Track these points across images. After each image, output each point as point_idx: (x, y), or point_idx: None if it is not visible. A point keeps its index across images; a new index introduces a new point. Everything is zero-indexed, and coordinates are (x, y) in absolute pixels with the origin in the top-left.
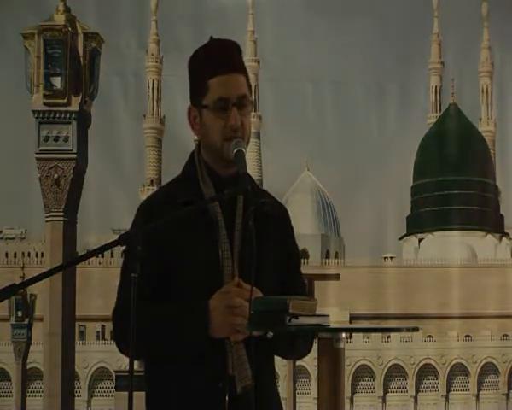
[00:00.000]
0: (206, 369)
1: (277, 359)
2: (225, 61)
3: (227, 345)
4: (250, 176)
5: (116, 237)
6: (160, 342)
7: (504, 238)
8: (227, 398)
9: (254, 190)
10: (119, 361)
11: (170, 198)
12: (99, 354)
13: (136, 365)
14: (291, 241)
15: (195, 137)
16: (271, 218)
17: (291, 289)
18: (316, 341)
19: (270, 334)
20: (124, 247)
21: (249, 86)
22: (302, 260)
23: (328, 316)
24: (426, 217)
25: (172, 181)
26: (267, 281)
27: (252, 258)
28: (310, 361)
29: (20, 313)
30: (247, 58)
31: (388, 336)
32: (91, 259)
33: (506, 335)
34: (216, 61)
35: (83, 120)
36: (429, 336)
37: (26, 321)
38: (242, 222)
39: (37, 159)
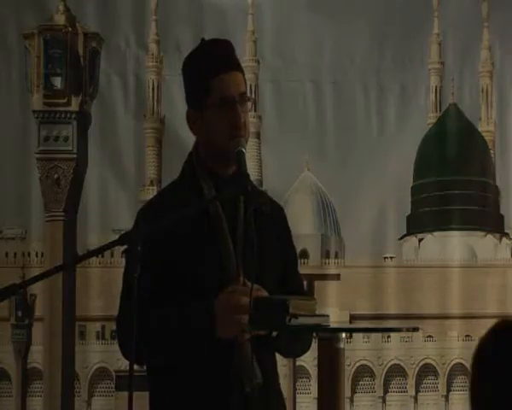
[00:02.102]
0: (213, 369)
1: (277, 358)
2: (225, 60)
3: (233, 344)
4: (249, 176)
5: (116, 237)
6: (167, 344)
7: (504, 238)
8: (235, 398)
9: (253, 190)
10: (119, 361)
11: (171, 200)
12: (99, 354)
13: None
14: (289, 240)
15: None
16: (270, 218)
17: (290, 289)
18: (316, 341)
19: (274, 333)
20: (124, 247)
21: (245, 84)
22: (302, 260)
23: (328, 316)
24: (426, 217)
25: (172, 183)
26: (268, 280)
27: (253, 258)
28: (310, 361)
29: (20, 313)
30: (247, 58)
31: (388, 336)
32: (91, 259)
33: None
34: (216, 60)
35: (83, 120)
36: (429, 336)
37: (26, 321)
38: (244, 222)
39: (37, 159)
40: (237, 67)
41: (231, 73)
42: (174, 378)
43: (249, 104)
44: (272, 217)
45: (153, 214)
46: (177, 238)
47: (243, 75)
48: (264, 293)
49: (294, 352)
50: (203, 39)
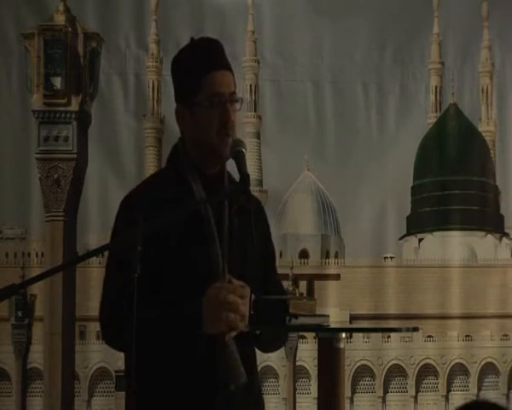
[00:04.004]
0: (198, 367)
1: (277, 358)
2: (217, 59)
3: (219, 342)
4: (229, 173)
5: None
6: (153, 341)
7: (504, 238)
8: (220, 396)
9: (236, 186)
10: (119, 361)
11: (157, 193)
12: (99, 354)
13: None
14: (269, 236)
15: None
16: (252, 215)
17: (271, 286)
18: (316, 341)
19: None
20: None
21: (235, 85)
22: (302, 261)
23: (328, 316)
24: (426, 217)
25: (157, 176)
26: (252, 277)
27: (251, 256)
28: (310, 361)
29: (20, 313)
30: (247, 58)
31: (388, 336)
32: (91, 259)
33: (506, 335)
34: (209, 58)
35: (83, 120)
36: (429, 336)
37: (26, 321)
38: (229, 220)
39: (37, 159)
40: (228, 66)
41: (222, 72)
42: (159, 377)
43: (238, 105)
44: (254, 213)
45: (138, 207)
46: (164, 236)
47: (233, 76)
48: (248, 290)
49: (274, 348)
50: (193, 38)
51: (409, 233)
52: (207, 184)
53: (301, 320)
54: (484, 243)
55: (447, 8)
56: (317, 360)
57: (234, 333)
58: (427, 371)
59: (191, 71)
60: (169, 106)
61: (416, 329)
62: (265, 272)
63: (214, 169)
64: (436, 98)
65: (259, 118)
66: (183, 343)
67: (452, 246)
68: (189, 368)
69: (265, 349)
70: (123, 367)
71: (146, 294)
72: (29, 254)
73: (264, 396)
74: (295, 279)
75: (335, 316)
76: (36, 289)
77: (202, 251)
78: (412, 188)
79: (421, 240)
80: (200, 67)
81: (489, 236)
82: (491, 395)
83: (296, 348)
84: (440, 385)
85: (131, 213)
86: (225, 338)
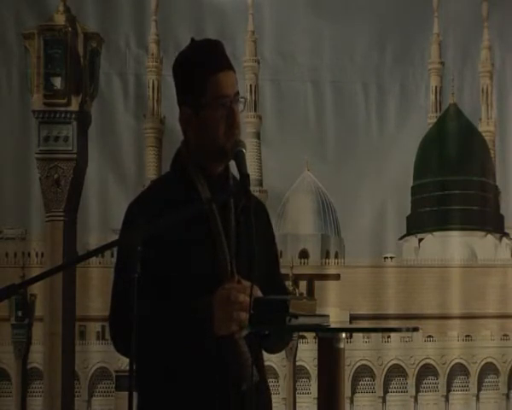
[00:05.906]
0: (209, 367)
1: (277, 359)
2: (221, 59)
3: (229, 342)
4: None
5: (116, 236)
6: (163, 342)
7: (504, 238)
8: (232, 396)
9: (237, 186)
10: (119, 361)
11: (164, 196)
12: (99, 354)
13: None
14: (272, 238)
15: None
16: (255, 216)
17: (275, 287)
18: (316, 341)
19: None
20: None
21: (237, 83)
22: (302, 261)
23: (328, 316)
24: (426, 217)
25: (162, 179)
26: (257, 278)
27: (252, 255)
28: (310, 361)
29: (20, 313)
30: (247, 58)
31: (388, 336)
32: (91, 259)
33: (506, 335)
34: (213, 59)
35: (83, 120)
36: (429, 336)
37: (26, 321)
38: (235, 219)
39: (37, 159)
40: (230, 66)
41: (226, 72)
42: (169, 378)
43: (241, 105)
44: (257, 214)
45: (146, 211)
46: (170, 237)
47: (235, 74)
48: (259, 292)
49: (279, 348)
50: (193, 39)
51: (409, 233)
52: (212, 184)
53: (301, 320)
54: (484, 243)
55: (447, 8)
56: (317, 360)
57: (245, 332)
58: (427, 371)
59: (196, 73)
60: (169, 106)
61: (416, 329)
62: (268, 273)
63: (218, 169)
64: (436, 98)
65: (259, 118)
66: (193, 344)
67: (452, 246)
68: (200, 368)
69: (271, 350)
70: (123, 367)
71: (154, 295)
72: (29, 254)
73: None
74: (295, 279)
75: (335, 316)
76: (36, 289)
77: (210, 251)
78: (412, 188)
79: (421, 240)
80: (204, 68)
81: (489, 236)
82: (491, 395)
83: (296, 348)
84: (440, 385)
85: (135, 218)
86: (235, 337)
